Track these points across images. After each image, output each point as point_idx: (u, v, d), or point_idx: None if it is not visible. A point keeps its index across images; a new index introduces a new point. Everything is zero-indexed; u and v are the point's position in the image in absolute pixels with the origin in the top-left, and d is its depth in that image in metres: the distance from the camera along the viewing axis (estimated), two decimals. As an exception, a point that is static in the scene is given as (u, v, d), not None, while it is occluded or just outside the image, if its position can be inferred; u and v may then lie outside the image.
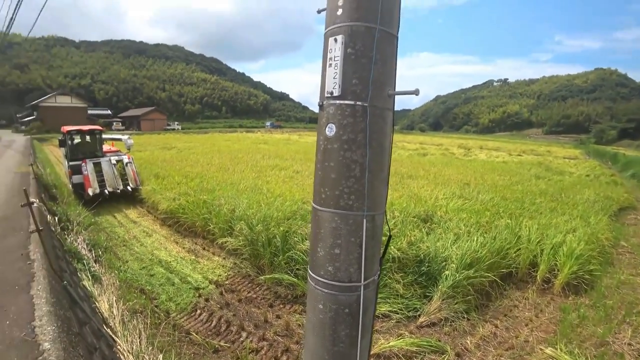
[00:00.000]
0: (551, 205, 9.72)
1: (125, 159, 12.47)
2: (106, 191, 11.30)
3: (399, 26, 1.68)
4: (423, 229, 6.53)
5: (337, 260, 1.57)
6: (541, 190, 12.14)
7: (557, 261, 6.12)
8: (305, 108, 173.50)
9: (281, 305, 5.29)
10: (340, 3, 1.56)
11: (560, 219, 8.02)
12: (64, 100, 62.90)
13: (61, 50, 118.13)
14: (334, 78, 1.59)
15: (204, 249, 7.48)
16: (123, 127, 69.88)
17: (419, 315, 4.89)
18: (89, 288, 5.04)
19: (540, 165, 21.92)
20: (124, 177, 11.98)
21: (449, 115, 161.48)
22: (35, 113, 61.12)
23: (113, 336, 3.96)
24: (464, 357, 4.28)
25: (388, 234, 1.82)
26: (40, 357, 1.71)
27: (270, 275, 5.71)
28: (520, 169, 19.42)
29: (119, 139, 15.13)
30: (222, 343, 4.45)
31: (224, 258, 6.88)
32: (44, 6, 9.23)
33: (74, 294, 3.49)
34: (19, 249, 4.61)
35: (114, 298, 4.84)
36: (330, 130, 1.57)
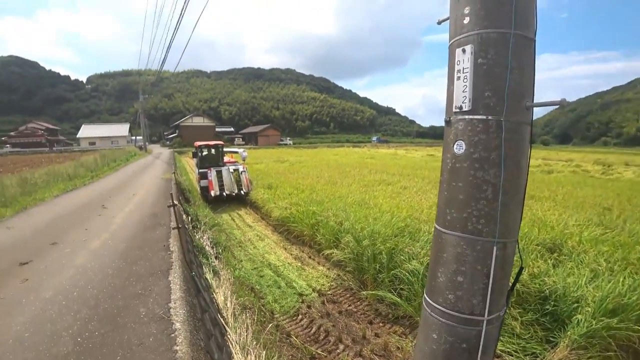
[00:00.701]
0: None
1: (241, 169, 14.97)
2: (224, 193, 13.96)
3: (536, 28, 1.50)
4: (549, 260, 5.65)
5: (459, 289, 1.43)
6: None
7: None
8: (411, 122, 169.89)
9: (381, 324, 5.14)
10: (466, 11, 1.46)
11: None
12: (198, 120, 76.73)
13: (197, 80, 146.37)
14: (463, 91, 1.49)
15: (310, 257, 7.77)
16: (243, 142, 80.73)
17: (541, 362, 4.20)
18: (209, 280, 5.68)
19: None
20: (239, 183, 14.48)
21: (580, 124, 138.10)
22: (176, 131, 75.81)
23: (225, 326, 4.36)
24: None
25: (520, 264, 1.60)
26: (173, 334, 1.99)
27: (373, 292, 5.61)
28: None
29: (236, 152, 18.49)
30: (319, 351, 4.51)
31: (328, 269, 7.03)
32: (185, 48, 13.28)
33: (199, 284, 3.95)
34: (162, 241, 5.47)
35: (229, 292, 5.34)
36: (459, 147, 1.46)
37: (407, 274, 5.37)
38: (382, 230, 6.45)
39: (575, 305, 4.57)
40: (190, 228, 7.98)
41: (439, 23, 1.80)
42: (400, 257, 5.71)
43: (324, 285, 6.38)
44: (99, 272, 4.84)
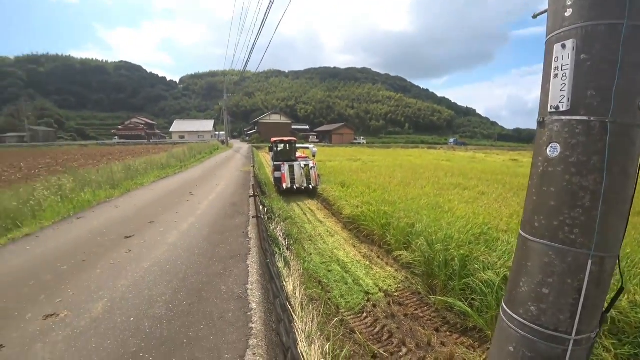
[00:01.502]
0: None
1: (311, 164, 15.75)
2: (295, 186, 14.80)
3: None
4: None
5: (543, 302, 1.33)
6: None
7: None
8: (493, 124, 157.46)
9: (448, 333, 4.91)
10: (568, 2, 1.34)
11: None
12: (276, 118, 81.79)
13: (275, 80, 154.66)
14: (560, 90, 1.37)
15: (378, 257, 7.70)
16: (317, 140, 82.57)
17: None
18: (281, 269, 5.96)
19: None
20: (308, 177, 15.26)
21: None
22: (255, 127, 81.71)
23: (292, 314, 4.54)
24: None
25: (620, 283, 1.42)
26: (249, 313, 2.17)
27: (443, 298, 5.38)
28: None
29: (308, 148, 19.86)
30: (381, 351, 4.46)
31: (396, 270, 6.91)
32: (266, 50, 15.40)
33: (272, 272, 4.18)
34: (241, 228, 5.90)
35: (298, 282, 5.55)
36: (553, 150, 1.35)
37: (480, 284, 5.04)
38: (456, 236, 6.14)
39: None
40: (266, 219, 8.43)
41: (535, 17, 1.68)
42: (474, 266, 5.38)
43: (390, 286, 6.29)
44: (187, 251, 5.44)
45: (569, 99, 1.34)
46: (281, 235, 8.07)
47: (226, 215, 7.40)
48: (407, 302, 5.76)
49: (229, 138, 58.95)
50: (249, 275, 3.03)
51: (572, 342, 1.30)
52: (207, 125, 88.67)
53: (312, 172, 15.36)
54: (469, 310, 5.02)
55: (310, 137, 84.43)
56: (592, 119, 1.28)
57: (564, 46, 1.36)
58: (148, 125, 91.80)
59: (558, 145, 1.33)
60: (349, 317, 5.36)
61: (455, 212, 8.10)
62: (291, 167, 15.46)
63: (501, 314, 1.53)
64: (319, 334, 4.28)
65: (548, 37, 1.48)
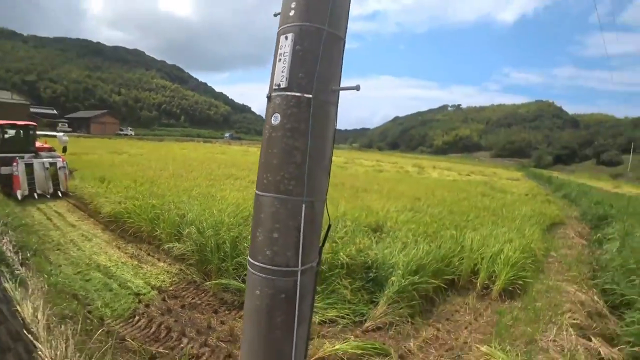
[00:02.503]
0: (493, 219, 10.38)
1: (59, 163, 12.26)
2: (35, 194, 11.25)
3: (346, 29, 1.81)
4: (373, 238, 6.69)
5: (275, 245, 1.58)
6: (485, 206, 12.95)
7: (495, 269, 6.51)
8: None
9: (226, 312, 5.14)
10: (292, 5, 1.66)
11: (500, 230, 8.54)
12: (4, 96, 58.33)
13: (6, 43, 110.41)
14: (282, 72, 1.66)
15: (148, 254, 7.10)
16: (70, 129, 65.14)
17: (365, 320, 4.96)
18: (10, 291, 4.62)
19: (486, 185, 23.48)
20: (55, 179, 11.86)
21: (406, 136, 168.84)
22: None
23: (34, 341, 3.64)
24: (407, 358, 4.39)
25: (328, 222, 1.86)
26: None
27: (217, 281, 5.54)
28: (468, 187, 20.66)
29: (54, 135, 14.97)
30: (160, 349, 4.21)
31: (170, 264, 6.58)
32: None
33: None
34: None
35: (40, 302, 4.46)
36: (276, 119, 1.62)
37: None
38: (226, 220, 6.42)
39: (391, 270, 5.55)
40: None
41: (275, 15, 1.92)
42: (244, 245, 5.80)
43: (164, 281, 5.95)
44: None
45: (287, 78, 1.63)
46: (10, 248, 6.21)
47: None
48: (183, 293, 5.61)
49: None
50: None
51: (299, 272, 1.62)
52: None
53: (60, 172, 11.99)
54: (243, 285, 5.38)
55: (60, 124, 66.53)
56: (301, 94, 1.60)
57: (286, 38, 1.65)
58: None
59: (279, 115, 1.60)
60: (117, 326, 4.73)
61: (226, 200, 8.43)
62: (29, 167, 11.43)
63: (248, 266, 1.72)
64: (78, 355, 3.60)
65: (278, 30, 1.74)
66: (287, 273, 1.61)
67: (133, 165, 15.85)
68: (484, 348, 4.33)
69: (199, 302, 5.35)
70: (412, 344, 4.61)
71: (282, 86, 1.64)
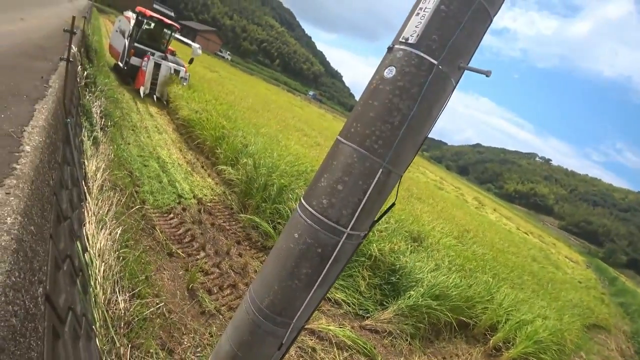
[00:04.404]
0: (535, 288, 9.55)
1: (183, 72, 12.01)
2: (155, 96, 11.32)
3: (498, 9, 1.60)
4: (409, 246, 6.44)
5: (335, 196, 1.49)
6: (532, 271, 11.93)
7: (516, 335, 6.02)
8: (351, 96, 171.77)
9: (247, 247, 5.28)
10: None
11: (538, 302, 7.85)
12: None
13: None
14: (415, 26, 1.50)
15: (202, 167, 7.48)
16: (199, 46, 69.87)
17: (367, 318, 4.85)
18: (84, 145, 5.07)
19: (541, 251, 21.60)
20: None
21: (480, 166, 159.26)
22: None
23: (87, 195, 3.99)
24: (389, 373, 4.26)
25: (394, 201, 1.73)
26: (17, 153, 1.69)
27: (251, 217, 5.69)
28: (522, 244, 19.14)
29: (190, 44, 14.67)
30: (179, 251, 4.46)
31: (217, 184, 6.88)
32: None
33: (70, 133, 3.49)
34: (41, 73, 4.60)
35: (103, 165, 4.87)
36: (390, 72, 1.48)
37: (289, 211, 5.56)
38: (282, 167, 6.50)
39: (413, 284, 5.32)
40: (82, 84, 6.91)
41: None
42: (288, 196, 5.86)
43: (206, 195, 6.24)
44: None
45: (418, 35, 1.47)
46: (97, 112, 6.81)
47: (24, 55, 5.61)
48: (217, 213, 5.85)
49: None
50: (32, 118, 2.30)
51: (345, 235, 1.51)
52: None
53: (181, 82, 11.62)
54: (272, 231, 5.49)
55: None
56: (427, 57, 1.44)
57: (433, -6, 1.47)
58: None
59: (394, 68, 1.46)
60: (153, 215, 5.08)
61: (289, 149, 8.53)
62: (157, 67, 11.26)
63: (297, 206, 1.66)
64: (113, 221, 3.90)
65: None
66: (334, 230, 1.52)
67: (219, 85, 16.58)
68: None
69: (227, 227, 5.55)
70: (400, 362, 4.46)
71: (409, 41, 1.48)
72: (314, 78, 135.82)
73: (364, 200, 1.45)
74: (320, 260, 1.58)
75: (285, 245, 1.67)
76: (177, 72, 11.82)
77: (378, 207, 1.60)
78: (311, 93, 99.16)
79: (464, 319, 5.91)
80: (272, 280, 1.73)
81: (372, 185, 1.43)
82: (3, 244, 1.09)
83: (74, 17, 3.13)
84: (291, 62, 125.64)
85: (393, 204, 1.74)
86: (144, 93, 10.99)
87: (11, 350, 0.91)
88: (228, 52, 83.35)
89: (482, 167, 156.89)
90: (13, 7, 11.55)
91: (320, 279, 1.63)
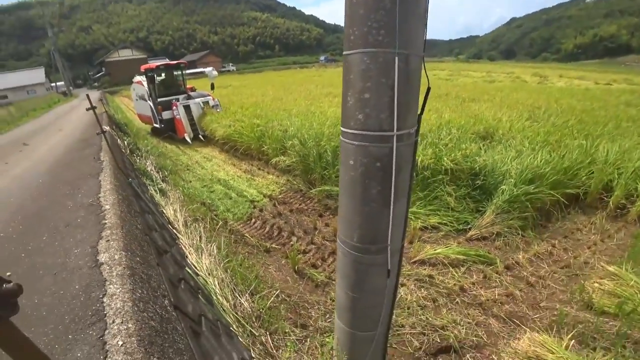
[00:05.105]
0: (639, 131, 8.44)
1: (211, 101, 11.82)
2: (201, 136, 11.01)
3: None
4: (481, 145, 6.09)
5: (367, 106, 1.45)
6: (630, 116, 10.54)
7: (637, 185, 5.40)
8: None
9: (330, 216, 5.44)
10: None
11: (650, 142, 6.89)
12: (126, 54, 67.64)
13: (116, 7, 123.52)
14: None
15: (259, 169, 7.81)
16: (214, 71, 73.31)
17: (470, 229, 4.74)
18: (156, 198, 5.57)
19: (633, 93, 18.86)
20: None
21: (524, 41, 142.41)
22: (103, 69, 66.03)
23: (176, 232, 4.40)
24: (514, 270, 4.12)
25: (427, 85, 1.64)
26: (101, 213, 1.95)
27: (320, 188, 5.83)
28: (607, 96, 16.89)
29: (202, 72, 14.46)
30: (273, 245, 4.75)
31: (278, 176, 7.15)
32: None
33: (137, 189, 3.85)
34: (93, 155, 5.15)
35: (178, 206, 5.31)
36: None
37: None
38: (327, 132, 6.52)
39: (501, 178, 5.05)
40: (128, 152, 7.57)
41: None
42: (344, 153, 5.86)
43: (274, 190, 6.52)
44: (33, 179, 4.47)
45: None
46: (152, 168, 7.42)
47: (73, 150, 6.32)
48: (291, 200, 6.09)
49: (71, 87, 46.70)
50: (101, 186, 2.64)
51: (395, 138, 1.47)
52: (36, 76, 61.04)
53: (214, 111, 11.46)
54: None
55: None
56: None
57: None
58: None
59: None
60: (238, 226, 5.45)
61: (325, 114, 8.49)
62: (187, 108, 11.18)
63: (341, 137, 1.65)
64: (208, 245, 4.26)
65: None
66: (382, 138, 1.49)
67: (237, 95, 16.99)
68: (611, 268, 3.76)
69: (305, 207, 5.76)
70: (520, 257, 4.29)
71: None
72: (318, 43, 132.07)
73: (395, 96, 1.40)
74: (384, 173, 1.57)
75: (347, 177, 1.68)
76: (206, 103, 11.83)
77: (415, 97, 1.53)
78: (322, 58, 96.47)
79: (571, 191, 5.45)
80: (352, 214, 1.76)
81: (396, 77, 1.37)
82: (120, 272, 1.29)
83: (88, 96, 3.42)
84: (289, 40, 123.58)
85: (428, 88, 1.65)
86: (190, 138, 11.03)
87: (159, 343, 1.09)
88: (231, 64, 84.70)
89: (528, 41, 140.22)
90: (49, 122, 12.95)
91: (392, 192, 1.61)
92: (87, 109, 3.68)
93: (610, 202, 5.42)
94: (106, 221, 1.86)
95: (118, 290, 1.23)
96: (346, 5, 1.44)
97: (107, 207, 2.08)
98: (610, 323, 3.16)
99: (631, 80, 31.79)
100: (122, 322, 1.08)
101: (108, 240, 1.60)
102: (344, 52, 1.51)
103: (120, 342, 1.06)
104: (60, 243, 1.97)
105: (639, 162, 5.72)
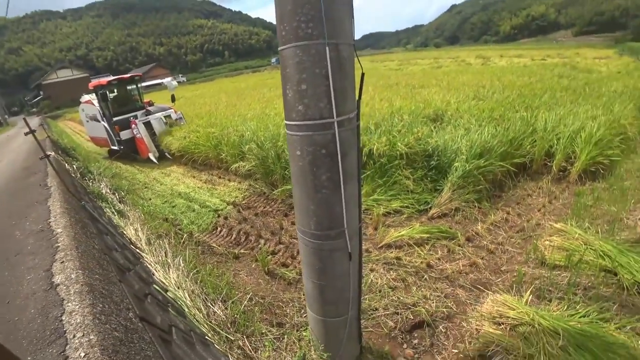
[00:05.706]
0: (572, 98, 9.15)
1: (174, 114, 10.87)
2: (167, 154, 9.95)
3: None
4: (432, 128, 6.37)
5: (305, 97, 1.51)
6: (563, 86, 11.39)
7: (574, 148, 5.88)
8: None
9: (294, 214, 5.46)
10: None
11: (581, 109, 7.52)
12: (65, 74, 62.70)
13: (49, 24, 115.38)
14: None
15: (219, 177, 7.69)
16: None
17: (430, 208, 4.95)
18: (114, 220, 5.35)
19: (565, 66, 20.37)
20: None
21: (466, 26, 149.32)
22: (41, 92, 60.88)
23: (139, 251, 4.26)
24: (475, 240, 4.36)
25: (361, 71, 1.73)
26: (53, 238, 1.89)
27: (283, 188, 5.85)
28: (542, 70, 18.13)
29: (160, 83, 13.31)
30: (242, 251, 4.71)
31: (239, 182, 7.08)
32: None
33: (93, 213, 3.70)
34: (39, 182, 4.86)
35: (138, 225, 5.13)
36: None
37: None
38: (282, 132, 6.53)
39: (454, 156, 5.32)
40: (79, 176, 7.19)
41: None
42: (303, 151, 5.91)
43: (237, 196, 6.45)
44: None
45: None
46: (107, 191, 7.10)
47: (17, 179, 5.90)
48: (255, 204, 6.06)
49: (6, 116, 43.15)
50: (50, 212, 2.52)
51: (336, 124, 1.54)
52: (-38, 108, 59.98)
53: (179, 124, 10.59)
54: (306, 189, 5.61)
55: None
56: None
57: None
58: None
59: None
60: (204, 237, 5.35)
61: (280, 115, 8.51)
62: (148, 125, 10.18)
63: (285, 129, 1.70)
64: (174, 259, 4.17)
65: None
66: (324, 126, 1.55)
67: (190, 105, 16.59)
68: (558, 225, 4.08)
69: (269, 209, 5.75)
70: (479, 227, 4.54)
71: None
72: (268, 45, 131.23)
73: (331, 85, 1.47)
74: (330, 159, 1.63)
75: (296, 167, 1.73)
76: (168, 117, 10.93)
77: (351, 84, 1.61)
78: (274, 60, 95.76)
79: (518, 161, 5.85)
80: (306, 203, 1.82)
81: (329, 67, 1.44)
82: (78, 290, 1.27)
83: (25, 119, 3.24)
84: (239, 45, 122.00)
85: (362, 74, 1.73)
86: (156, 157, 10.02)
87: (124, 351, 1.09)
88: (180, 75, 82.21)
89: (469, 26, 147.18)
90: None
91: (341, 176, 1.68)
92: (26, 134, 3.47)
93: (553, 166, 5.89)
94: (59, 244, 1.80)
95: (77, 307, 1.21)
96: (276, 2, 1.48)
97: (59, 230, 2.01)
98: (563, 275, 3.44)
99: (563, 54, 34.49)
100: (83, 335, 1.07)
101: (62, 262, 1.56)
102: (279, 48, 1.55)
103: (82, 354, 1.05)
104: (11, 272, 1.88)
105: (574, 125, 6.25)
